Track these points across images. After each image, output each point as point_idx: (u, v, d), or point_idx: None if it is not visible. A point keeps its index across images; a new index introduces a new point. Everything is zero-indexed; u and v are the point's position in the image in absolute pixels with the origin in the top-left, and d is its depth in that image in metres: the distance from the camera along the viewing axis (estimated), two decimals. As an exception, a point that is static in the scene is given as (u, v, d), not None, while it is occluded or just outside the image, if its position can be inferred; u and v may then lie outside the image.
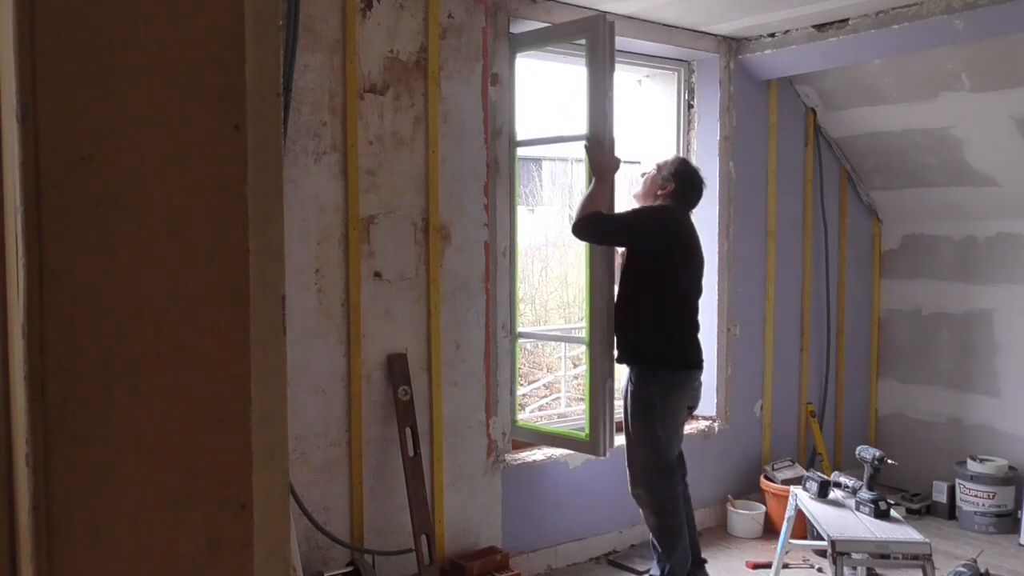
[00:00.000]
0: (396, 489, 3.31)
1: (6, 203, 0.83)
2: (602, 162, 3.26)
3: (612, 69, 3.31)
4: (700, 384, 3.38)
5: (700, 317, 3.39)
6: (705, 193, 4.45)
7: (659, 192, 3.38)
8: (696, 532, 3.53)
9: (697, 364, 3.34)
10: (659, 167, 3.43)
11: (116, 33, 0.77)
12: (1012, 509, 4.29)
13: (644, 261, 3.28)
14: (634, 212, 3.38)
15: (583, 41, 3.38)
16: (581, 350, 3.92)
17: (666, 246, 3.27)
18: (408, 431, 3.26)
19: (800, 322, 4.76)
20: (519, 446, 3.80)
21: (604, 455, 3.44)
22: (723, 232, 4.34)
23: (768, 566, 3.68)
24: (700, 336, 3.40)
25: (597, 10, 3.73)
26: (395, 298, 3.30)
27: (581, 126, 3.37)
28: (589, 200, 3.22)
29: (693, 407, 3.41)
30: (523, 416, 3.97)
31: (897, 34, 3.73)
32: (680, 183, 3.37)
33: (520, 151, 3.71)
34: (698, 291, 3.39)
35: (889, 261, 5.05)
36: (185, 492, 0.81)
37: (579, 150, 3.40)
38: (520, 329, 3.79)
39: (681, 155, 3.54)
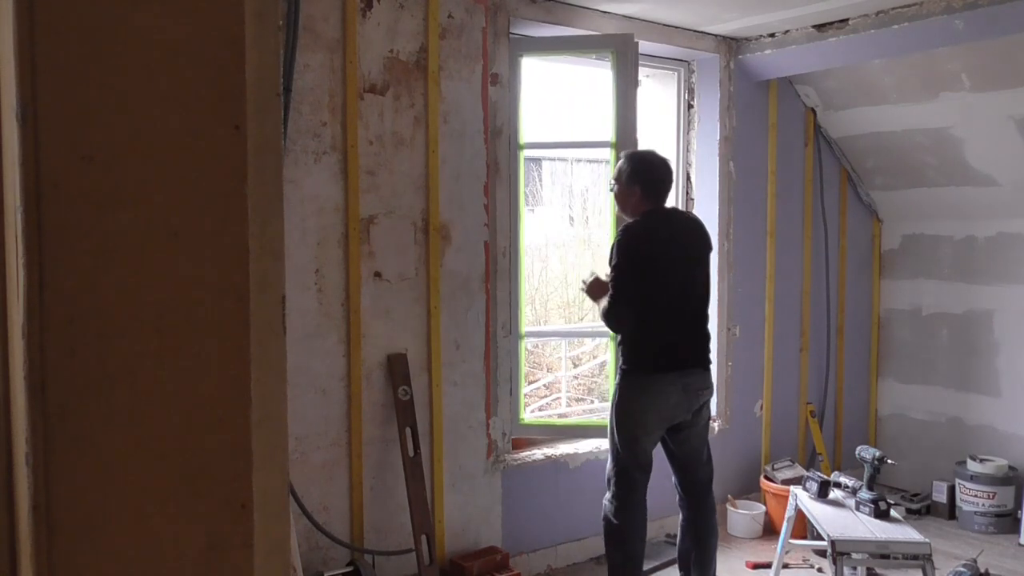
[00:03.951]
0: (396, 489, 3.31)
1: (6, 203, 0.83)
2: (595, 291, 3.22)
3: (636, 84, 3.65)
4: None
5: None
6: (705, 192, 4.45)
7: (632, 201, 3.14)
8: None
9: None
10: (617, 179, 3.19)
11: (116, 33, 0.77)
12: (1012, 509, 4.29)
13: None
14: (614, 271, 3.12)
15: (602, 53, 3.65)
16: (582, 350, 3.91)
17: (646, 267, 3.07)
18: (408, 431, 3.26)
19: (800, 322, 4.76)
20: (519, 446, 3.80)
21: None
22: (723, 232, 4.33)
23: (768, 566, 3.68)
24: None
25: (597, 10, 3.73)
26: (395, 298, 3.30)
27: (589, 130, 3.41)
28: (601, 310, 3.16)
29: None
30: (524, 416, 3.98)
31: (897, 34, 3.73)
32: (643, 180, 3.13)
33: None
34: (690, 284, 3.14)
35: (889, 261, 5.05)
36: (185, 492, 0.81)
37: (580, 151, 3.38)
38: (527, 329, 3.79)
39: (627, 151, 3.27)
